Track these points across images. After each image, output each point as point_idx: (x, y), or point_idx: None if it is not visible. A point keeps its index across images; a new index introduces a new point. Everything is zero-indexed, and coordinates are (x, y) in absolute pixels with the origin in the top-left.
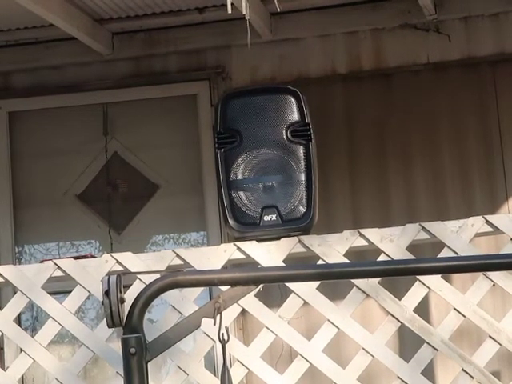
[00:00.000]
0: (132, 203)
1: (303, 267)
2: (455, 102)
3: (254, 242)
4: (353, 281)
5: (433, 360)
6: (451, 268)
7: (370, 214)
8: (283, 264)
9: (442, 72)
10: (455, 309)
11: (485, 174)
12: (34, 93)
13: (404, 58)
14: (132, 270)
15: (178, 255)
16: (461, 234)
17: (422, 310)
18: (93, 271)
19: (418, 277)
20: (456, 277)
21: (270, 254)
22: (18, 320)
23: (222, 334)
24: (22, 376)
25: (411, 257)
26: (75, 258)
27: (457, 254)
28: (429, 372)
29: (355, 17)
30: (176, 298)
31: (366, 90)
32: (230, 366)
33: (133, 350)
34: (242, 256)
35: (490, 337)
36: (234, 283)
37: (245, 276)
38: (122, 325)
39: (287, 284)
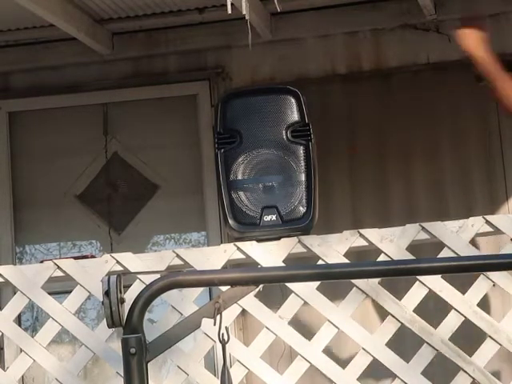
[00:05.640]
0: (132, 203)
1: (303, 267)
2: (455, 102)
3: (254, 242)
4: (353, 281)
5: (433, 360)
6: (451, 268)
7: (370, 214)
8: (283, 264)
9: (442, 72)
10: (455, 309)
11: (485, 175)
12: (33, 93)
13: (404, 58)
14: (132, 270)
15: (178, 255)
16: (461, 235)
17: (422, 310)
18: (93, 271)
19: (417, 277)
20: (456, 277)
21: (270, 254)
22: (18, 320)
23: (222, 334)
24: (22, 376)
25: (411, 257)
26: (75, 258)
27: (457, 254)
28: (429, 372)
29: (355, 17)
30: (176, 298)
31: (366, 90)
32: (230, 366)
33: (133, 350)
34: (241, 256)
35: (489, 337)
36: (233, 283)
37: (245, 276)
38: (122, 325)
39: (287, 284)
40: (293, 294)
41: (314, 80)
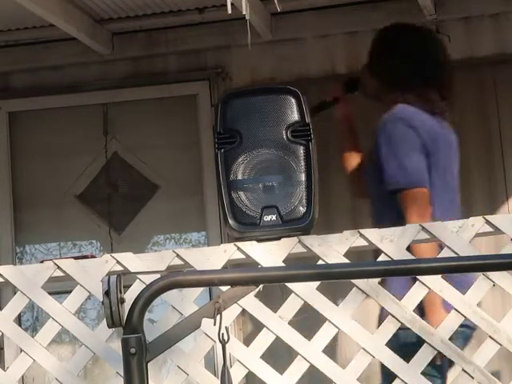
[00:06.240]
0: (132, 203)
1: (303, 267)
2: (455, 102)
3: (254, 242)
4: (353, 281)
5: None
6: (451, 268)
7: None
8: (283, 264)
9: None
10: (455, 309)
11: (485, 174)
12: (34, 93)
13: None
14: (132, 270)
15: (178, 255)
16: (461, 235)
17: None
18: (93, 271)
19: (417, 277)
20: None
21: (270, 254)
22: (18, 320)
23: (222, 334)
24: (22, 376)
25: (411, 257)
26: (75, 258)
27: (457, 254)
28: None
29: (355, 17)
30: (176, 298)
31: None
32: (230, 366)
33: (133, 350)
34: (241, 256)
35: (489, 337)
36: (234, 283)
37: (245, 276)
38: (122, 325)
39: (287, 284)
40: (293, 294)
41: (313, 80)
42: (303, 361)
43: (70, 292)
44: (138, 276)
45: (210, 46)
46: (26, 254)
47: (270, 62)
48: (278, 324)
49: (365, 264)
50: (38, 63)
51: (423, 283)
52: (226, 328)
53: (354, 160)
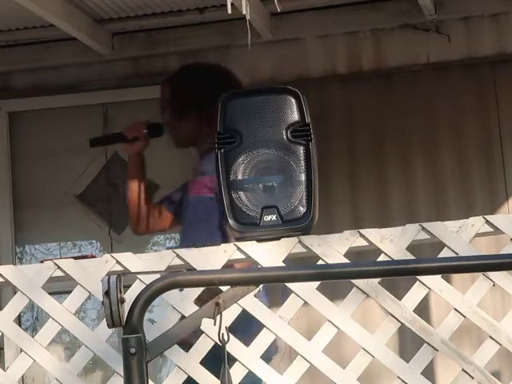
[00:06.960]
0: None
1: (303, 267)
2: (455, 102)
3: (254, 242)
4: (353, 281)
5: (433, 360)
6: (451, 268)
7: (370, 213)
8: (283, 264)
9: (442, 72)
10: (455, 309)
11: (485, 174)
12: (34, 93)
13: (404, 58)
14: (132, 270)
15: (178, 255)
16: (461, 235)
17: (422, 310)
18: (93, 271)
19: (417, 277)
20: (456, 277)
21: (270, 254)
22: (18, 320)
23: (222, 334)
24: (22, 376)
25: (411, 257)
26: (75, 258)
27: (457, 254)
28: (429, 372)
29: (355, 17)
30: (176, 298)
31: (366, 90)
32: (230, 367)
33: (133, 350)
34: (242, 256)
35: (490, 337)
36: (233, 283)
37: (245, 276)
38: (122, 325)
39: (287, 284)
40: (293, 293)
41: (314, 80)
42: (303, 361)
43: (70, 292)
44: (138, 276)
45: (210, 46)
46: (26, 254)
47: (269, 62)
48: (278, 324)
49: (365, 264)
50: (38, 63)
51: (423, 283)
52: (226, 328)
53: (139, 194)
